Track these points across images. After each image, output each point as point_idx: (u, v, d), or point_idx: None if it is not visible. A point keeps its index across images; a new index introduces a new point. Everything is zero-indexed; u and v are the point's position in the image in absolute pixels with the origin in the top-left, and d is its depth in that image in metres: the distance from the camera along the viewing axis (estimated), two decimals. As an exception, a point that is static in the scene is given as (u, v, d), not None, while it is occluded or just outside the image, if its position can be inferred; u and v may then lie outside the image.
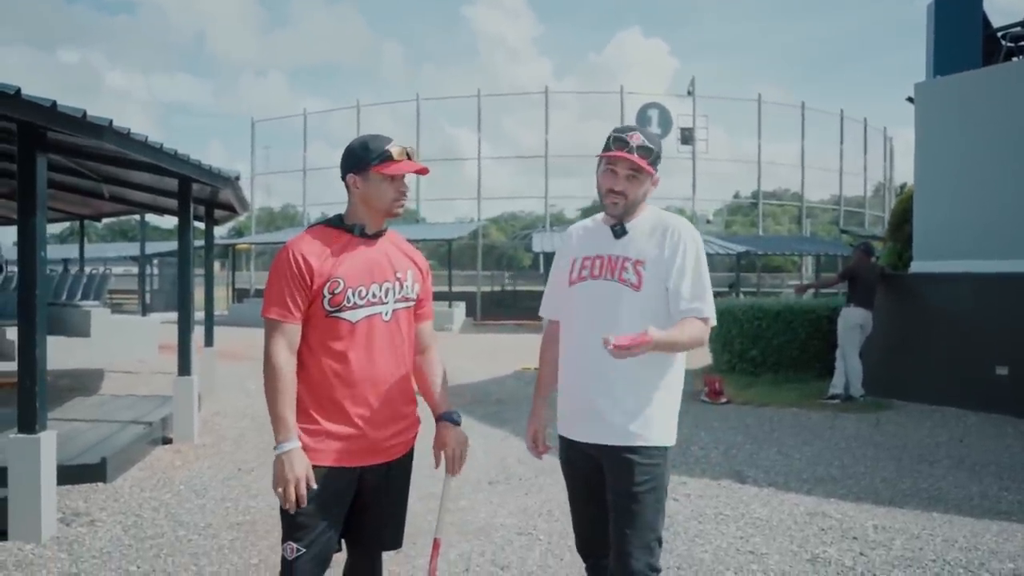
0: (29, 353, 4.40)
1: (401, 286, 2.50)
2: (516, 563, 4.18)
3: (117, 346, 13.29)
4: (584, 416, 2.51)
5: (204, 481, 5.76)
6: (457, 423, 2.62)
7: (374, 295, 2.44)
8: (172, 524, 4.78)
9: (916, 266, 9.78)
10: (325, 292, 2.38)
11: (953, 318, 8.71)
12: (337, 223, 2.51)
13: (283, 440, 2.32)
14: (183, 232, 7.08)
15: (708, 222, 29.90)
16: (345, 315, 2.40)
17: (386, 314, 2.46)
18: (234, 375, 11.16)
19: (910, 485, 5.73)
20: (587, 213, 41.33)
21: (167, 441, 7.00)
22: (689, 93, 26.32)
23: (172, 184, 7.49)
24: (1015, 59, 9.59)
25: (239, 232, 37.74)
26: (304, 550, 2.36)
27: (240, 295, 27.31)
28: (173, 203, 10.15)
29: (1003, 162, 8.88)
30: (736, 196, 34.97)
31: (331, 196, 30.15)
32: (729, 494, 5.46)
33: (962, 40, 9.38)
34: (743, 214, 34.55)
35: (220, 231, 36.59)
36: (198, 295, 29.64)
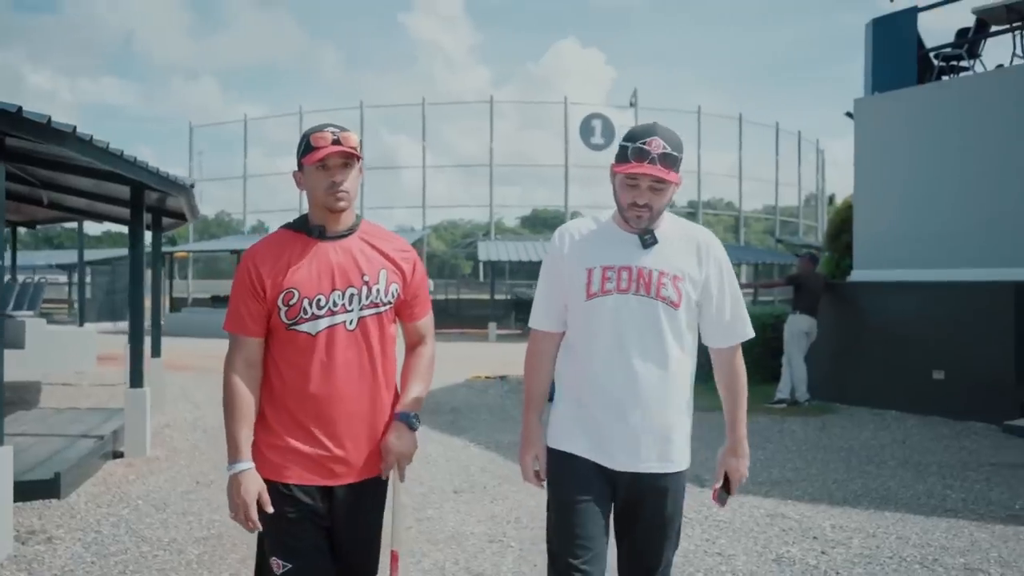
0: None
1: (369, 290, 2.29)
2: (490, 570, 4.21)
3: (53, 358, 12.83)
4: (610, 442, 2.29)
5: (163, 495, 5.63)
6: (410, 426, 2.36)
7: (335, 303, 2.26)
8: (135, 540, 4.67)
9: (856, 275, 10.16)
10: (280, 304, 2.24)
11: (892, 325, 9.06)
12: (298, 225, 2.33)
13: (233, 461, 2.22)
14: (135, 240, 6.91)
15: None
16: (304, 327, 2.24)
17: (350, 323, 2.28)
18: (180, 386, 10.92)
19: (860, 486, 5.96)
20: (526, 221, 41.72)
21: (118, 455, 6.81)
22: (631, 104, 26.79)
23: (112, 189, 7.31)
24: (946, 78, 10.05)
25: (173, 241, 36.85)
26: (290, 565, 2.26)
27: (177, 304, 26.65)
28: (112, 209, 9.96)
29: (937, 176, 9.31)
30: (672, 206, 35.62)
31: (269, 203, 29.74)
32: (691, 498, 5.52)
33: (898, 59, 9.80)
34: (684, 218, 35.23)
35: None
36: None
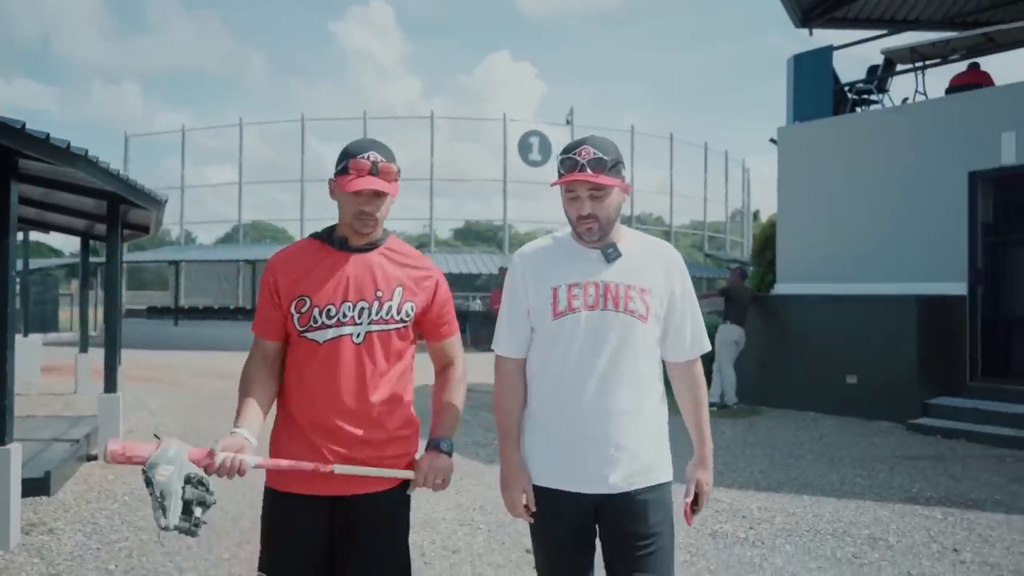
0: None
1: (380, 306, 2.27)
2: (464, 547, 4.76)
3: (-3, 368, 12.77)
4: (587, 464, 2.23)
5: (146, 493, 5.99)
6: (444, 452, 2.35)
7: (344, 315, 2.25)
8: (132, 530, 5.06)
9: (779, 288, 11.06)
10: (292, 311, 2.26)
11: (811, 334, 9.94)
12: (324, 235, 2.35)
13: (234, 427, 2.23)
14: (111, 251, 7.24)
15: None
16: (313, 335, 2.25)
17: (357, 336, 2.25)
18: (133, 395, 11.08)
19: (783, 475, 6.71)
20: (459, 234, 42.23)
21: (92, 458, 7.10)
22: (568, 122, 27.67)
23: (63, 199, 7.47)
24: (859, 110, 11.05)
25: (95, 251, 36.14)
26: None
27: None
28: (61, 219, 10.09)
29: (850, 199, 10.27)
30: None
31: (197, 215, 29.50)
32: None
33: (816, 92, 10.78)
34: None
35: (74, 249, 34.93)
36: (64, 316, 28.03)
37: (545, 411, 2.29)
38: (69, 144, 4.45)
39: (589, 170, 2.17)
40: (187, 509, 1.99)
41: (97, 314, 27.49)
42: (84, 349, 11.88)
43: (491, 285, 25.09)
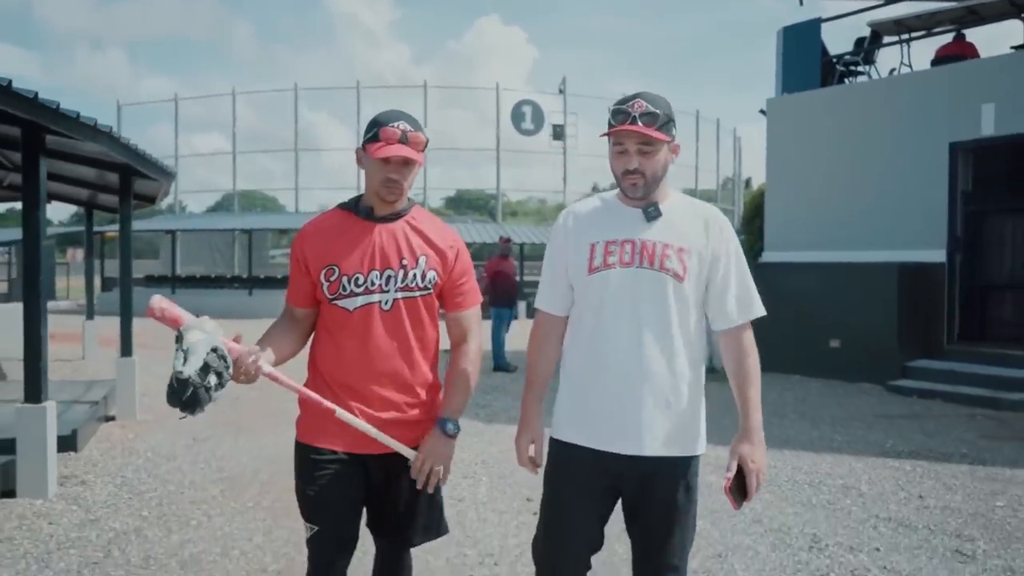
0: (34, 332, 4.95)
1: (406, 274, 2.34)
2: (469, 496, 5.15)
3: (4, 335, 13.06)
4: (614, 423, 2.21)
5: (167, 450, 6.36)
6: (446, 432, 2.38)
7: (373, 283, 2.32)
8: (159, 482, 5.42)
9: (767, 256, 11.41)
10: (322, 279, 2.33)
11: (797, 301, 10.29)
12: (351, 205, 2.42)
13: None
14: (125, 221, 7.53)
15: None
16: (343, 303, 2.33)
17: (385, 303, 2.33)
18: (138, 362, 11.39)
19: (766, 433, 7.04)
20: (451, 203, 42.33)
21: (110, 419, 7.46)
22: (560, 91, 27.78)
23: (72, 170, 7.71)
24: (847, 81, 11.32)
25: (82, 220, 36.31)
26: (316, 528, 2.34)
27: (108, 284, 26.51)
28: (68, 189, 10.30)
29: (836, 170, 10.59)
30: (595, 188, 37.13)
31: (188, 184, 29.63)
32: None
33: (804, 64, 11.04)
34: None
35: (63, 218, 35.10)
36: (60, 284, 28.19)
37: (578, 366, 2.28)
38: (96, 122, 4.73)
39: (640, 123, 2.14)
40: (205, 370, 2.06)
41: (93, 283, 27.80)
42: (91, 316, 12.15)
43: (484, 254, 25.35)
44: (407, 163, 2.30)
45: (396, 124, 2.27)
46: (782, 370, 10.38)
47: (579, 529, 2.25)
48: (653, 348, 2.19)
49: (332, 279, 2.32)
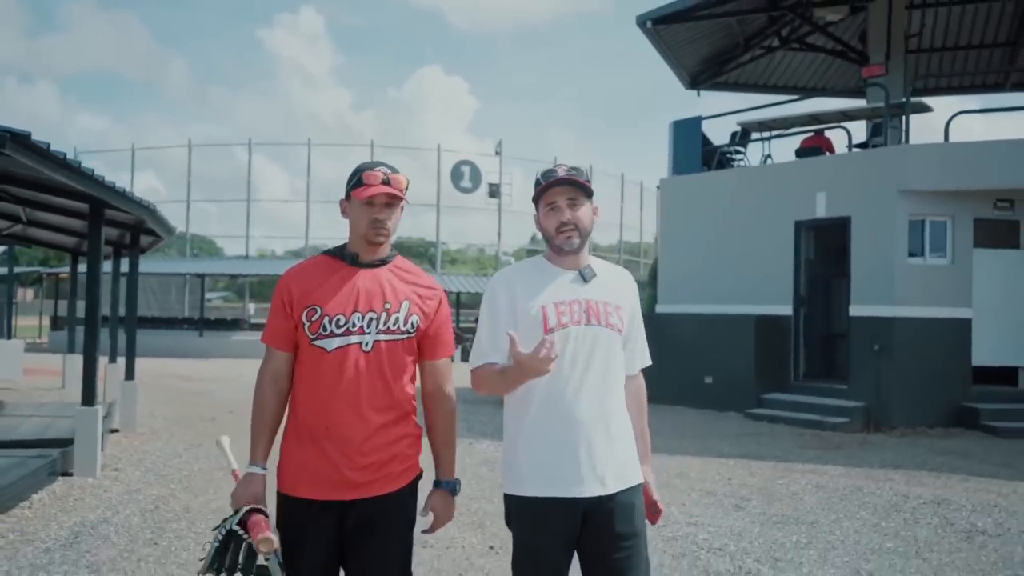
0: (91, 353, 6.77)
1: (388, 317, 2.39)
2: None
3: (-15, 367, 14.39)
4: (582, 468, 2.35)
5: (173, 450, 8.13)
6: (453, 493, 2.52)
7: (354, 324, 2.36)
8: (178, 468, 7.21)
9: (659, 308, 13.71)
10: (303, 319, 2.37)
11: (681, 344, 12.52)
12: (336, 252, 2.49)
13: (250, 463, 2.38)
14: (133, 267, 9.33)
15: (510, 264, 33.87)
16: (321, 343, 2.36)
17: (366, 344, 2.37)
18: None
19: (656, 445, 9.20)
20: (391, 249, 43.67)
21: (114, 431, 9.14)
22: (497, 153, 30.26)
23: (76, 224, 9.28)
24: (733, 164, 13.74)
25: (43, 262, 37.06)
26: None
27: (60, 323, 27.53)
28: (55, 237, 11.87)
29: (713, 239, 12.97)
30: (533, 239, 39.82)
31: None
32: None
33: (689, 152, 13.49)
34: (540, 253, 39.21)
35: (29, 258, 35.64)
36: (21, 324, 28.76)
37: (541, 422, 2.38)
38: (142, 201, 6.63)
39: (568, 176, 2.39)
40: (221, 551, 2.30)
41: (42, 322, 28.65)
42: (72, 349, 13.60)
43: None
44: (391, 204, 2.42)
45: (377, 168, 2.42)
46: (667, 402, 12.51)
47: (561, 563, 2.38)
48: (609, 395, 2.42)
49: (314, 319, 2.37)
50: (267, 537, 2.20)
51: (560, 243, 2.41)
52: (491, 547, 5.12)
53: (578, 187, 2.40)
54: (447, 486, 2.51)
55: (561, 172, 2.41)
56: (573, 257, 2.44)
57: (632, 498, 2.42)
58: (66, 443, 6.82)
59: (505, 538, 5.52)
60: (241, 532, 2.25)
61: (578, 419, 2.36)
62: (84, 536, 5.11)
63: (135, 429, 9.22)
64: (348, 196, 2.45)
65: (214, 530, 2.31)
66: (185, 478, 6.85)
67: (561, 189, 2.39)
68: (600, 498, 2.35)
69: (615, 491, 2.37)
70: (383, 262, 2.48)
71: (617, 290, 2.50)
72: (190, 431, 9.30)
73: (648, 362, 2.63)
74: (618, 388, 2.46)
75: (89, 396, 6.77)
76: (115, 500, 6.05)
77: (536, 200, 2.45)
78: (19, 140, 4.18)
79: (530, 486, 2.37)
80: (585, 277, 2.44)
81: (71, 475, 6.68)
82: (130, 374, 9.34)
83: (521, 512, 2.39)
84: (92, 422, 6.73)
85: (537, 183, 2.44)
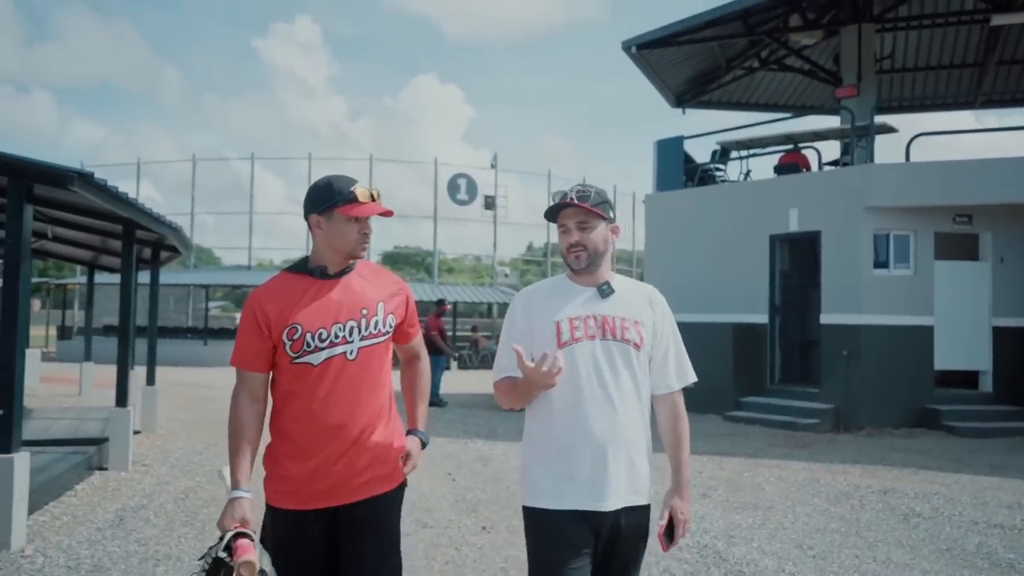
0: (123, 357, 7.51)
1: (368, 323, 2.44)
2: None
3: None
4: (598, 482, 2.38)
5: (192, 449, 8.86)
6: (424, 443, 2.66)
7: (336, 335, 2.40)
8: (196, 465, 7.94)
9: (645, 316, 14.46)
10: (284, 339, 2.38)
11: (664, 351, 13.28)
12: (300, 267, 2.50)
13: (233, 488, 2.36)
14: (154, 279, 10.08)
15: (506, 276, 34.70)
16: (307, 359, 2.39)
17: (351, 353, 2.42)
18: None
19: (622, 443, 9.98)
20: (388, 258, 44.87)
21: (137, 432, 9.86)
22: (492, 166, 31.09)
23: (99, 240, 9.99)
24: (716, 181, 14.52)
25: (43, 272, 37.76)
26: None
27: (67, 332, 28.26)
28: (76, 252, 12.56)
29: (694, 251, 13.76)
30: (529, 248, 40.65)
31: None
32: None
33: (671, 169, 14.29)
34: (536, 264, 40.03)
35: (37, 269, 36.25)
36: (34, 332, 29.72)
37: (555, 434, 2.42)
38: (171, 223, 7.39)
39: (576, 200, 2.41)
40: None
41: (48, 332, 29.37)
42: (88, 358, 14.31)
43: (424, 311, 27.96)
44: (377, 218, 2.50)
45: (364, 186, 2.45)
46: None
47: (582, 570, 2.37)
48: (624, 410, 2.41)
49: (295, 338, 2.39)
50: (248, 560, 2.21)
51: (570, 263, 2.47)
52: (483, 528, 5.88)
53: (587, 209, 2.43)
54: (420, 435, 2.67)
55: (572, 193, 2.46)
56: (590, 275, 2.48)
57: (644, 516, 2.46)
58: (98, 441, 7.57)
59: (496, 520, 6.31)
60: (227, 559, 2.24)
61: (591, 432, 2.38)
62: (128, 518, 5.85)
63: (155, 430, 9.96)
64: (325, 211, 2.42)
65: (200, 559, 2.29)
66: (208, 472, 7.58)
67: (571, 212, 2.44)
68: (615, 513, 2.38)
69: (630, 505, 2.41)
70: (348, 270, 2.52)
71: (636, 306, 2.51)
72: (206, 433, 10.03)
73: (689, 381, 2.61)
74: (636, 403, 2.46)
75: (123, 398, 7.51)
76: (149, 490, 6.79)
77: (550, 218, 2.54)
78: (84, 179, 4.86)
79: (543, 498, 2.40)
80: (603, 293, 2.48)
81: (106, 469, 7.42)
82: (151, 380, 10.08)
83: (535, 524, 2.42)
84: (125, 421, 7.47)
85: (553, 200, 2.56)
